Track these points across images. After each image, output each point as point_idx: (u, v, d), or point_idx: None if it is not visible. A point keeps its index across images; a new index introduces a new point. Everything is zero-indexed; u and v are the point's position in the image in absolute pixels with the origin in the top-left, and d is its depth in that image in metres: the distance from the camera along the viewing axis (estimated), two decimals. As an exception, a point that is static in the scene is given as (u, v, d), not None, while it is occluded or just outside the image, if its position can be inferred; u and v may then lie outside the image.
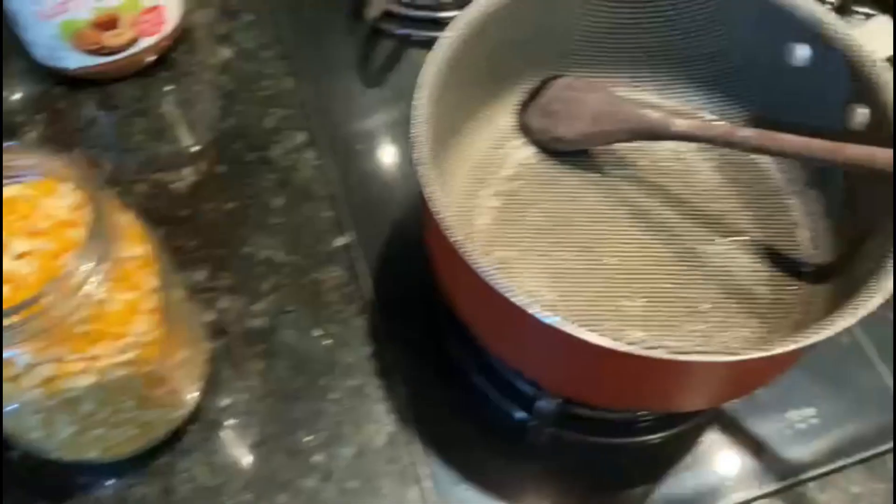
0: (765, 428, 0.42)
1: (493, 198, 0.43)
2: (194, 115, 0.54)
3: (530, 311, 0.28)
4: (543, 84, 0.44)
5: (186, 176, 0.51)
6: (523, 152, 0.44)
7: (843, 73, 0.37)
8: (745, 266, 0.40)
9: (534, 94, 0.44)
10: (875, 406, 0.43)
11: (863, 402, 0.43)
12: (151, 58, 0.54)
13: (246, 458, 0.42)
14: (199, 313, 0.43)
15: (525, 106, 0.44)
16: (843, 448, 0.41)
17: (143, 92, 0.55)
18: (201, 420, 0.43)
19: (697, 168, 0.44)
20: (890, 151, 0.32)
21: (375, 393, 0.44)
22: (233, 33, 0.58)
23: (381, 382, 0.44)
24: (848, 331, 0.44)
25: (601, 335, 0.28)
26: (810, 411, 0.43)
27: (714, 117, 0.45)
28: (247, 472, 0.41)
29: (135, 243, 0.34)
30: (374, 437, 0.43)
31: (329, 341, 0.45)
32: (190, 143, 0.53)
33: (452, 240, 0.30)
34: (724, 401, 0.38)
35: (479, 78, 0.41)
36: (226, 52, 0.57)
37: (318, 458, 0.42)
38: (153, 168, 0.51)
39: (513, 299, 0.29)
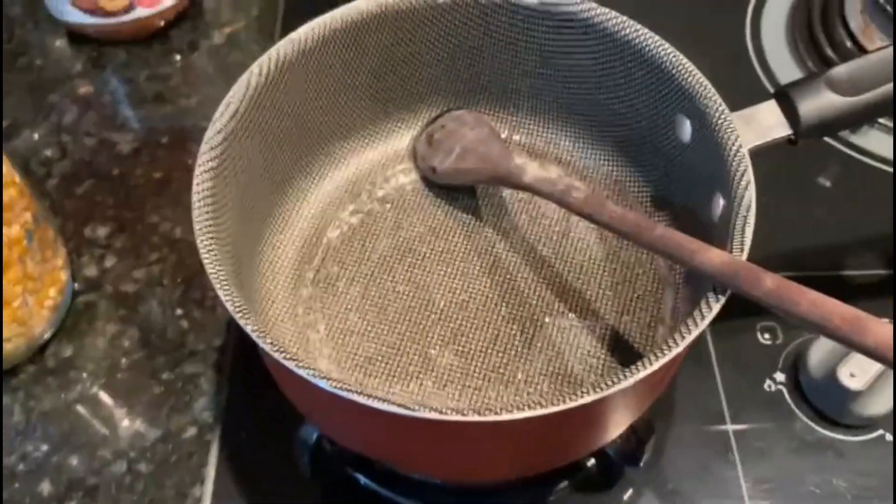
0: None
1: (354, 214, 0.41)
2: (164, 88, 0.56)
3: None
4: (444, 113, 0.42)
5: (132, 141, 0.53)
6: (406, 178, 0.42)
7: (713, 156, 0.32)
8: (583, 349, 0.36)
9: (433, 121, 0.42)
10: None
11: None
12: (151, 27, 0.57)
13: (60, 412, 0.42)
14: (55, 261, 0.44)
15: (422, 131, 0.42)
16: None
17: (130, 57, 0.58)
18: (39, 364, 0.44)
19: (580, 235, 0.40)
20: (688, 241, 0.28)
21: (206, 385, 0.43)
22: (234, 22, 0.60)
23: (215, 377, 0.43)
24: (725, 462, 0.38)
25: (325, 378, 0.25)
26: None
27: (614, 188, 0.41)
28: (55, 425, 0.42)
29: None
30: (184, 428, 0.42)
31: (186, 323, 0.45)
32: (149, 111, 0.55)
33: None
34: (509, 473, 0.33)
35: (360, 94, 0.39)
36: (219, 37, 0.59)
37: (123, 432, 0.42)
38: (108, 127, 0.54)
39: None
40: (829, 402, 0.40)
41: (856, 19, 0.52)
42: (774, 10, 0.59)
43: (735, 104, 0.34)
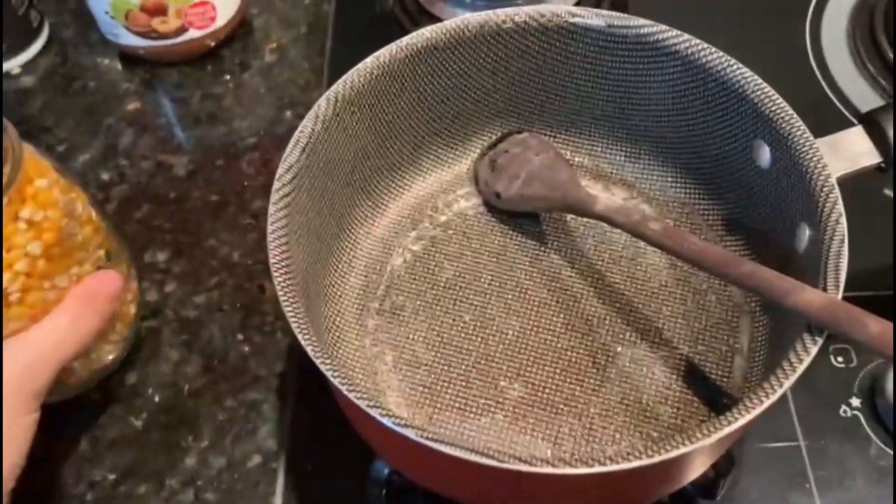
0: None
1: (417, 241, 0.40)
2: (216, 109, 0.56)
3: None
4: (506, 136, 0.41)
5: (187, 163, 0.53)
6: (468, 202, 0.41)
7: (797, 184, 0.31)
8: (657, 380, 0.35)
9: (494, 145, 0.41)
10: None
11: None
12: (203, 48, 0.57)
13: (126, 441, 0.42)
14: (125, 296, 0.43)
15: (482, 155, 0.42)
16: None
17: (183, 77, 0.58)
18: (104, 391, 0.44)
19: (650, 261, 0.39)
20: (781, 281, 0.27)
21: (268, 413, 0.43)
22: (282, 40, 0.60)
23: (278, 404, 0.43)
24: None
25: (394, 419, 0.25)
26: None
27: (684, 211, 0.40)
28: (121, 455, 0.42)
29: (37, 207, 0.36)
30: (249, 456, 0.42)
31: (247, 348, 0.45)
32: (203, 131, 0.55)
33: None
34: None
35: (421, 119, 0.39)
36: (269, 56, 0.59)
37: (190, 460, 0.42)
38: (163, 149, 0.54)
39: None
40: (909, 429, 0.38)
41: (920, 23, 0.50)
42: (835, 12, 0.58)
43: (798, 110, 0.32)
